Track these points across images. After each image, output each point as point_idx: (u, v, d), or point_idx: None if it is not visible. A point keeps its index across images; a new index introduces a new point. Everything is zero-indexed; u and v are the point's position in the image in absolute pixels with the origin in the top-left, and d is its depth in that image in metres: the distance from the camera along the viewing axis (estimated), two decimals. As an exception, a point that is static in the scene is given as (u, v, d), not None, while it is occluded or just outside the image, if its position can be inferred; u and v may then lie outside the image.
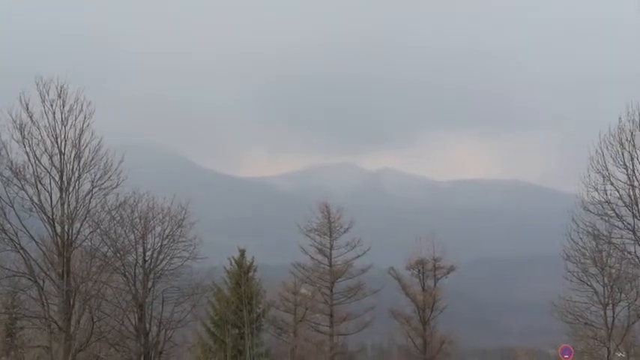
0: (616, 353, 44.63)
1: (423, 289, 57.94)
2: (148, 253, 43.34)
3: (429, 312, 57.46)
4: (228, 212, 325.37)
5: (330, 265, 57.11)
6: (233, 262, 49.57)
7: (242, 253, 49.98)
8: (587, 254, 43.82)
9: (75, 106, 35.34)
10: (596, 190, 39.55)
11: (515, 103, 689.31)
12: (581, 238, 43.09)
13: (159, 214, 43.85)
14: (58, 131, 35.27)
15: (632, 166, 38.51)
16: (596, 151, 39.24)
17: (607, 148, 39.06)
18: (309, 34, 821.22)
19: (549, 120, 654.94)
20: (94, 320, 38.46)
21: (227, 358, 46.10)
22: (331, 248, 57.01)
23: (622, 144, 38.76)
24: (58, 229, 35.51)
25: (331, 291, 57.01)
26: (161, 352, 44.89)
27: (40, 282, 36.47)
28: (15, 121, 34.50)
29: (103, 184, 36.55)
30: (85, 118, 35.42)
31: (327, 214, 57.03)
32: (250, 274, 49.45)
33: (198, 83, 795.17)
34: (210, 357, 47.44)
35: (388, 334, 65.89)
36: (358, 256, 57.01)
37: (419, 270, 58.07)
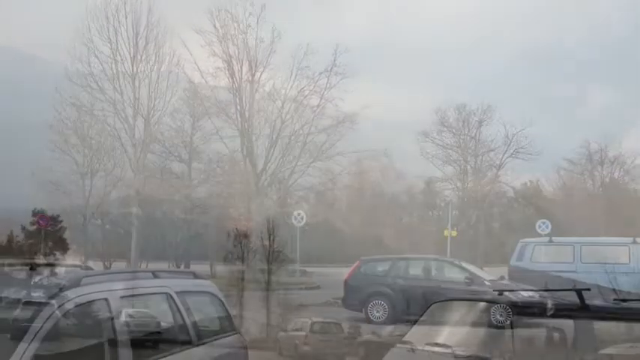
0: (92, 220, 46.74)
1: None
2: None
3: None
4: None
5: None
6: None
7: None
8: (70, 125, 44.44)
9: None
10: (81, 62, 40.36)
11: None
12: (64, 109, 43.46)
13: None
14: None
15: (117, 40, 40.00)
16: (83, 22, 39.76)
17: (93, 20, 39.86)
18: None
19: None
20: None
21: None
22: None
23: (107, 18, 39.96)
24: None
25: None
26: None
27: None
28: None
29: None
30: None
31: None
32: None
33: None
34: None
35: None
36: None
37: None
